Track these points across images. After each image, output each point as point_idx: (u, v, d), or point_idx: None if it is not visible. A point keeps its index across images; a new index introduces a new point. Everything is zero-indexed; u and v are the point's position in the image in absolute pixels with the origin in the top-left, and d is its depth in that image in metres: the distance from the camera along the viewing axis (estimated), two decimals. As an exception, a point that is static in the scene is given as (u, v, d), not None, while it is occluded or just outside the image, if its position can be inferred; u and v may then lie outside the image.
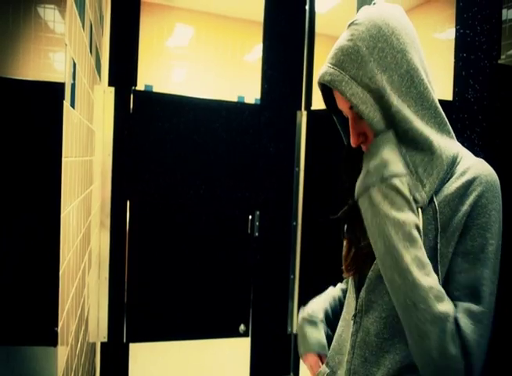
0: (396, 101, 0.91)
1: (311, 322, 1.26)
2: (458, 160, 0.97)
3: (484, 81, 1.95)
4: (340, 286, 1.37)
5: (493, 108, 1.93)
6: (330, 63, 0.95)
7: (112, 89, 2.61)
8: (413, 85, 0.94)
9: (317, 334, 1.24)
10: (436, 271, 0.90)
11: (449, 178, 0.94)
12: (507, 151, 1.95)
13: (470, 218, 0.90)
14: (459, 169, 0.95)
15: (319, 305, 1.31)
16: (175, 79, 4.74)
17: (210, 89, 4.05)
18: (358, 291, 1.07)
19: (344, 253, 1.15)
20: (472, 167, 0.94)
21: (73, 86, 1.37)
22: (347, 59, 0.92)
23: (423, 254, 0.87)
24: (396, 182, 0.89)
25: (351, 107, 0.97)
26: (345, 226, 1.16)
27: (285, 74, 3.08)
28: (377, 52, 0.92)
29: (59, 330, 1.22)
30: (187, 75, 4.76)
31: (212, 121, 2.91)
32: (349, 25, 0.97)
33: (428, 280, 0.85)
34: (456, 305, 0.87)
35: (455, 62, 2.10)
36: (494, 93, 1.95)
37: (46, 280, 1.15)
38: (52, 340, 1.19)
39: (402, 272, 0.85)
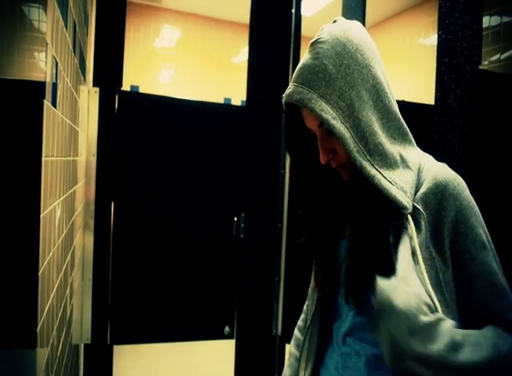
0: (365, 116, 0.93)
1: None
2: (422, 166, 1.00)
3: (466, 86, 1.98)
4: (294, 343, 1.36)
5: (474, 112, 1.96)
6: (297, 83, 0.96)
7: (97, 89, 2.60)
8: (379, 99, 0.96)
9: None
10: (433, 267, 0.92)
11: (419, 184, 0.98)
12: (487, 154, 1.98)
13: (461, 224, 0.94)
14: (426, 174, 0.98)
15: None
16: (162, 80, 4.74)
17: (197, 91, 4.05)
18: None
19: (313, 272, 1.16)
20: (439, 172, 0.98)
21: (54, 85, 1.37)
22: (314, 77, 0.93)
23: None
24: (424, 318, 0.83)
25: (319, 125, 0.98)
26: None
27: (271, 76, 3.09)
28: (344, 68, 0.93)
29: (38, 330, 1.21)
30: (174, 76, 4.76)
31: (198, 123, 2.92)
32: (312, 44, 0.98)
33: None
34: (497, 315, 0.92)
35: (437, 67, 2.13)
36: (475, 98, 1.98)
37: (25, 280, 1.15)
38: (31, 341, 1.18)
39: None
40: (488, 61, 2.58)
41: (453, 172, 0.99)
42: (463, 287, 0.95)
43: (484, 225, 0.97)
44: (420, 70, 4.04)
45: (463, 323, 0.95)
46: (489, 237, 0.97)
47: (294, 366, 1.27)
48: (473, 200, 0.97)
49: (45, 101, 1.18)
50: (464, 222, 0.93)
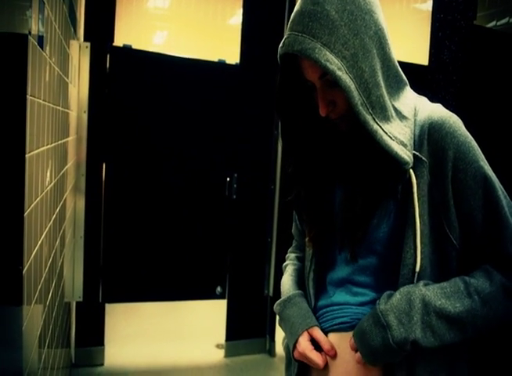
0: (369, 66, 0.89)
1: (286, 303, 1.15)
2: (417, 109, 0.98)
3: (460, 42, 1.96)
4: (294, 257, 1.32)
5: (467, 68, 1.94)
6: (297, 31, 0.88)
7: (88, 45, 2.56)
8: (381, 46, 0.92)
9: (297, 310, 1.12)
10: (437, 212, 0.94)
11: (416, 126, 0.96)
12: (480, 110, 1.97)
13: (460, 161, 0.92)
14: (421, 115, 0.97)
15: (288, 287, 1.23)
16: (155, 41, 4.69)
17: (191, 52, 4.00)
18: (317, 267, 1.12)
19: (307, 226, 1.13)
20: (434, 111, 0.96)
21: (40, 24, 1.34)
22: (316, 25, 0.86)
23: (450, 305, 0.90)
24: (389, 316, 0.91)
25: (320, 76, 0.93)
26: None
27: (265, 36, 3.04)
28: (347, 15, 0.87)
29: (25, 272, 1.21)
30: (167, 37, 4.71)
31: (191, 81, 2.88)
32: None
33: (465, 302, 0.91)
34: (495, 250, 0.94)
35: (432, 23, 2.10)
36: (469, 54, 1.96)
37: (10, 219, 1.14)
38: (17, 283, 1.17)
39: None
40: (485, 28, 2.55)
41: (448, 111, 0.97)
42: (467, 225, 0.94)
43: (484, 158, 0.95)
44: (415, 34, 3.99)
45: (463, 260, 0.96)
46: (491, 170, 0.95)
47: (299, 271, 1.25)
48: (470, 135, 0.95)
49: (30, 37, 1.15)
50: (463, 159, 0.92)
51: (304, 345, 1.03)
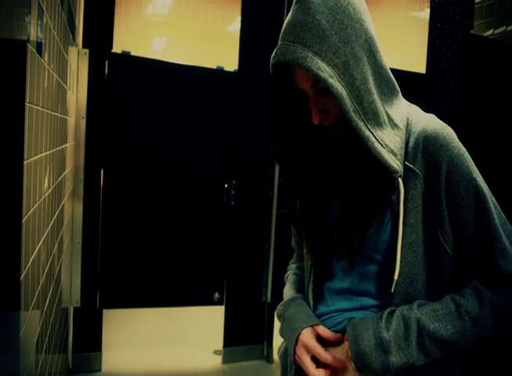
0: (360, 73, 0.90)
1: (290, 302, 1.16)
2: (410, 119, 0.99)
3: (457, 51, 1.97)
4: (294, 267, 1.33)
5: (465, 77, 1.95)
6: (289, 41, 0.90)
7: (86, 51, 2.57)
8: (372, 54, 0.93)
9: (302, 310, 1.12)
10: (431, 223, 0.95)
11: (409, 139, 0.97)
12: (477, 119, 1.98)
13: (454, 173, 0.93)
14: (415, 128, 0.97)
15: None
16: (154, 48, 4.71)
17: (189, 59, 4.02)
18: (315, 276, 1.12)
19: (304, 238, 1.13)
20: (428, 123, 0.97)
21: (39, 31, 1.35)
22: (307, 34, 0.88)
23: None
24: (384, 335, 0.93)
25: (313, 85, 0.94)
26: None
27: (264, 43, 3.05)
28: (337, 24, 0.89)
29: (22, 278, 1.21)
30: (166, 44, 4.73)
31: (190, 88, 2.89)
32: None
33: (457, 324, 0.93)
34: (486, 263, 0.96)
35: (429, 32, 2.12)
36: (466, 63, 1.97)
37: (7, 225, 1.14)
38: (15, 290, 1.17)
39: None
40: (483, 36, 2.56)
41: (442, 123, 0.98)
42: (459, 235, 0.95)
43: (476, 170, 0.96)
44: (413, 42, 4.01)
45: (457, 269, 0.97)
46: (483, 182, 0.96)
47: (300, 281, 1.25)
48: (463, 147, 0.96)
49: (28, 44, 1.16)
50: (456, 171, 0.93)
51: (307, 335, 1.03)
